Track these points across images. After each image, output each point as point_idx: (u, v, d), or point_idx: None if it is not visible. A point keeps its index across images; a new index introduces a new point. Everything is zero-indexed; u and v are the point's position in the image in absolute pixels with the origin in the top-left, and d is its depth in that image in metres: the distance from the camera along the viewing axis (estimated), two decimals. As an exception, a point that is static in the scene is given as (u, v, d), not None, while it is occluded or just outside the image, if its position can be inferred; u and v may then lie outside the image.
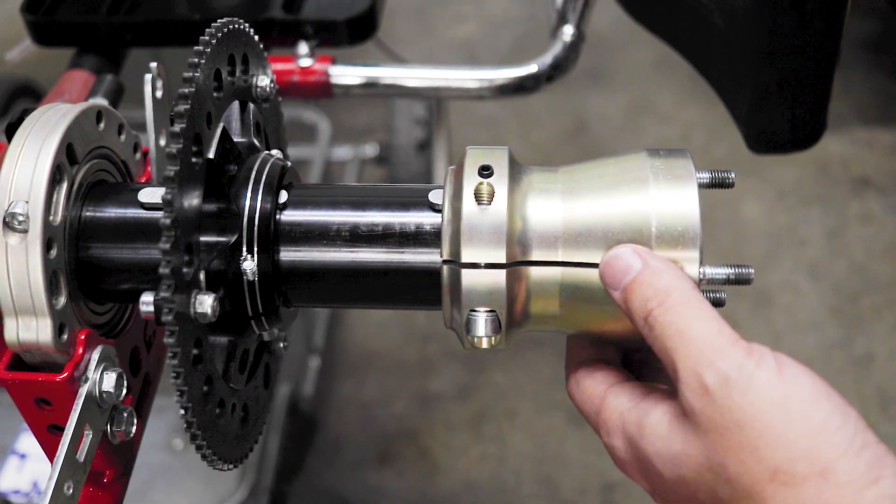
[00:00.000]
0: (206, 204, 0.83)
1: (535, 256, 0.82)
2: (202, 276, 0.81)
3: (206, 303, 0.79)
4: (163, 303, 0.75)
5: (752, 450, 0.69)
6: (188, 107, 0.79)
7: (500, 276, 0.80)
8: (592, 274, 0.81)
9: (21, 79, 2.77)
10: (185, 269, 0.78)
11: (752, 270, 0.82)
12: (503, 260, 0.80)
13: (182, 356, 0.78)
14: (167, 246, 0.76)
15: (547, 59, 1.55)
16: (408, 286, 0.87)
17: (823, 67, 1.26)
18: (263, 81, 0.98)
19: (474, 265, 0.81)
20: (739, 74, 1.32)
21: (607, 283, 0.80)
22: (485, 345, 0.83)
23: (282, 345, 1.00)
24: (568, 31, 1.57)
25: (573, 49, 1.56)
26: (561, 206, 0.83)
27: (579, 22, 1.58)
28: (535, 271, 0.82)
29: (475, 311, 0.82)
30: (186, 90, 0.80)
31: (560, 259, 0.81)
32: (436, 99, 2.68)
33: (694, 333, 0.73)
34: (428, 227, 0.86)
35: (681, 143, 3.53)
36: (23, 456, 2.13)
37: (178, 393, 0.78)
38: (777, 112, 1.30)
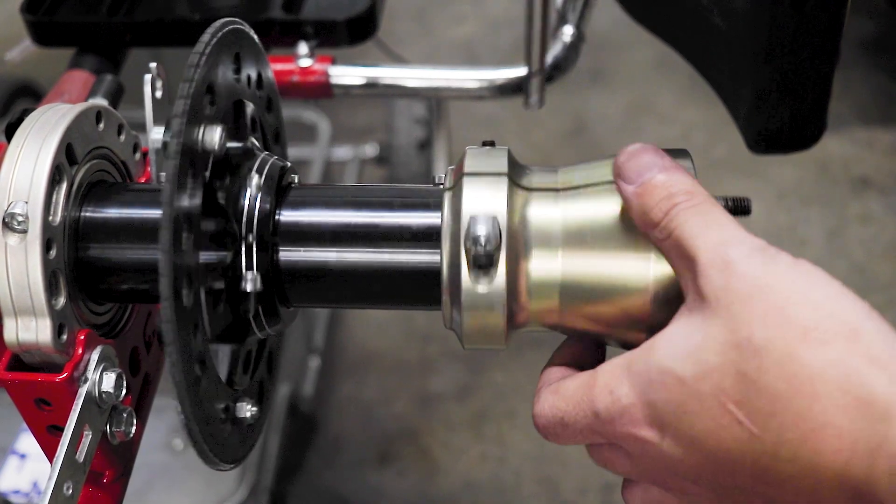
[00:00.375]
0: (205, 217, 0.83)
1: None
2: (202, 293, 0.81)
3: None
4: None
5: (778, 312, 0.68)
6: (187, 106, 0.79)
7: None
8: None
9: (21, 79, 2.78)
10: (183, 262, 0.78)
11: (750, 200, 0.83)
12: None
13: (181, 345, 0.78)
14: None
15: (547, 59, 1.55)
16: (407, 286, 0.87)
17: (823, 67, 1.26)
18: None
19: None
20: (739, 74, 1.32)
21: (624, 174, 0.80)
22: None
23: (249, 409, 0.99)
24: (568, 32, 1.57)
25: (573, 49, 1.56)
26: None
27: (579, 22, 1.58)
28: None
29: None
30: (186, 86, 0.80)
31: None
32: (436, 99, 2.68)
33: (718, 222, 0.73)
34: (428, 227, 0.86)
35: (681, 143, 3.52)
36: (23, 456, 2.13)
37: (177, 391, 0.78)
38: (777, 112, 1.30)
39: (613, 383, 0.75)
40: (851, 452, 0.64)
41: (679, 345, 0.72)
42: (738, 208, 0.85)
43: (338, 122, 3.21)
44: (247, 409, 0.92)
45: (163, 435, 2.19)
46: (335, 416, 2.85)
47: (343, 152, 3.19)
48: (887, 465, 0.63)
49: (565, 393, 0.80)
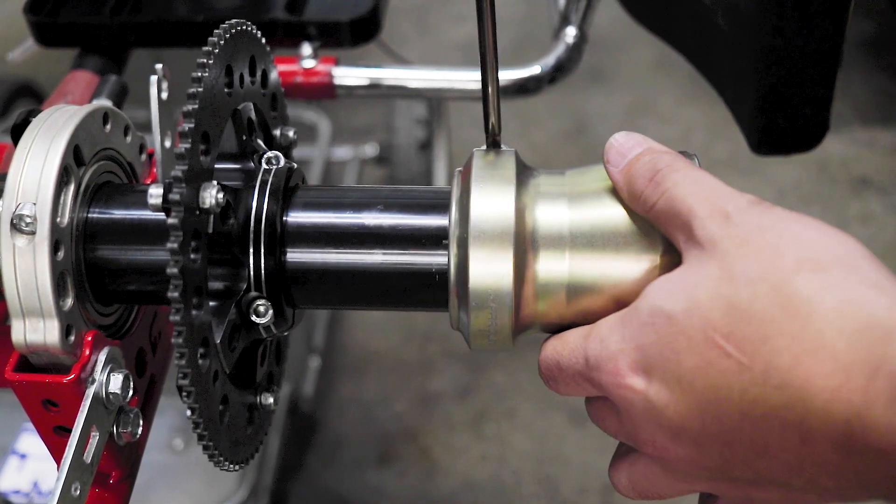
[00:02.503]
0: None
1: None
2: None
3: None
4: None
5: (773, 247, 0.68)
6: (196, 107, 0.79)
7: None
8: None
9: (21, 79, 2.78)
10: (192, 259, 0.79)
11: None
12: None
13: (188, 343, 0.78)
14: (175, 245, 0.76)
15: (550, 60, 1.55)
16: (415, 288, 0.87)
17: (826, 68, 1.27)
18: (289, 132, 1.02)
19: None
20: (742, 76, 1.32)
21: (611, 159, 0.81)
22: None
23: (271, 398, 1.00)
24: (570, 33, 1.57)
25: (576, 50, 1.57)
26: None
27: (582, 23, 1.58)
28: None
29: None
30: (195, 90, 0.80)
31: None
32: (436, 99, 2.68)
33: (710, 181, 0.75)
34: (436, 229, 0.86)
35: (681, 143, 3.53)
36: (23, 456, 2.13)
37: (186, 394, 0.78)
38: (780, 113, 1.30)
39: (606, 332, 0.76)
40: (846, 374, 0.63)
41: (671, 286, 0.72)
42: None
43: (338, 122, 3.20)
44: (268, 398, 0.98)
45: (163, 435, 2.19)
46: (335, 416, 2.85)
47: (343, 152, 3.19)
48: (886, 384, 0.61)
49: (566, 339, 0.81)
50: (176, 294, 0.76)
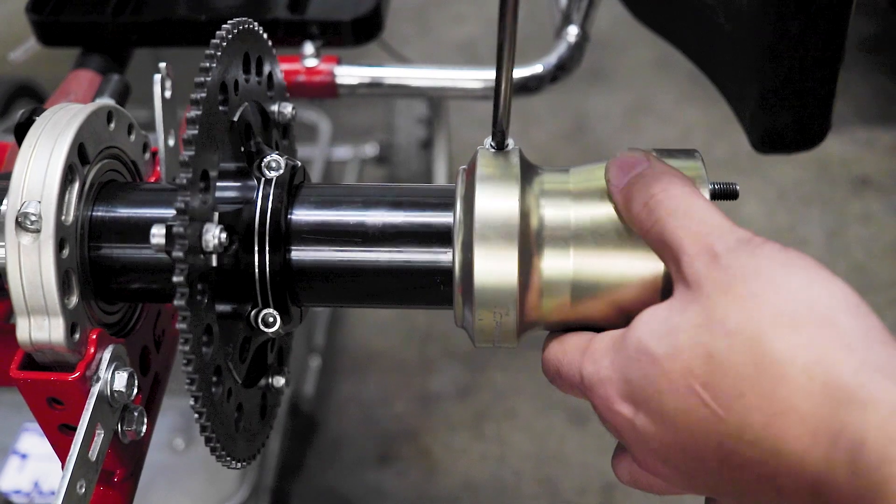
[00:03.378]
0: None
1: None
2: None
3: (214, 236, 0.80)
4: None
5: (754, 297, 0.68)
6: (192, 153, 0.79)
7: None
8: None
9: (21, 79, 2.78)
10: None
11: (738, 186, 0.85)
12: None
13: (201, 387, 0.79)
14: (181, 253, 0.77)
15: (552, 59, 1.55)
16: (420, 285, 0.88)
17: (828, 67, 1.27)
18: (287, 108, 1.00)
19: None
20: (744, 74, 1.32)
21: (612, 179, 0.81)
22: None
23: (283, 380, 1.01)
24: (572, 32, 1.57)
25: (577, 49, 1.57)
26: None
27: (584, 22, 1.58)
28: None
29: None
30: (203, 78, 0.81)
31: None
32: (437, 99, 2.68)
33: (701, 214, 0.75)
34: (440, 227, 0.87)
35: (681, 143, 3.54)
36: (24, 456, 2.13)
37: (188, 381, 0.79)
38: (782, 112, 1.30)
39: (599, 354, 0.78)
40: (812, 439, 0.64)
41: (657, 324, 0.73)
42: (725, 192, 0.86)
43: (338, 122, 3.20)
44: (279, 380, 1.01)
45: (164, 434, 2.19)
46: (336, 416, 2.85)
47: (343, 152, 3.19)
48: (846, 454, 0.62)
49: (566, 346, 0.82)
50: (188, 348, 0.77)
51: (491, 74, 1.52)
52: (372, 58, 1.61)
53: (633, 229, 0.80)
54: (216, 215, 0.81)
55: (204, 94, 0.80)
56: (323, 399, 2.85)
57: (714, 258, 0.71)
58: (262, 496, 2.22)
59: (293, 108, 1.01)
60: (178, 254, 0.76)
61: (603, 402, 0.77)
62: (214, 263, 0.81)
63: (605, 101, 3.78)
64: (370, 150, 3.18)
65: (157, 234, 0.79)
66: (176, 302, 0.76)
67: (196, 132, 0.78)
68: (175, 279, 0.76)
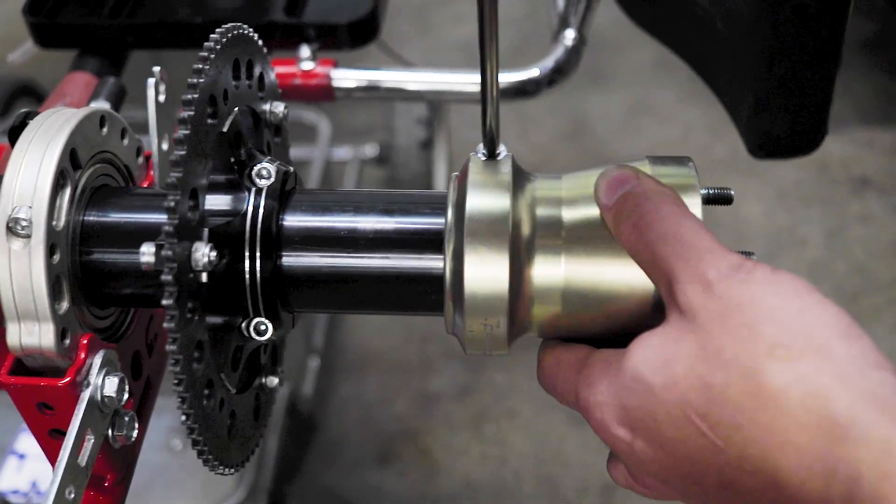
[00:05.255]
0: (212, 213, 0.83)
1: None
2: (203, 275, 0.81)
3: (203, 251, 0.80)
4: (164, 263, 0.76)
5: (748, 328, 0.68)
6: (180, 174, 0.78)
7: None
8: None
9: (22, 79, 2.77)
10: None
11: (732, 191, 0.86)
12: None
13: (193, 405, 0.79)
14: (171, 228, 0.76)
15: (549, 62, 1.55)
16: (410, 292, 0.88)
17: (825, 72, 1.26)
18: (278, 108, 0.99)
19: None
20: (741, 79, 1.32)
21: (601, 198, 0.81)
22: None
23: (276, 380, 1.01)
24: (570, 35, 1.57)
25: (575, 53, 1.57)
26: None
27: (581, 26, 1.58)
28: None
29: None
30: (190, 96, 0.80)
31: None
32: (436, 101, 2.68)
33: (692, 239, 0.74)
34: (432, 233, 0.87)
35: (681, 143, 3.53)
36: (22, 456, 2.13)
37: (180, 399, 0.79)
38: (778, 117, 1.30)
39: (594, 377, 0.78)
40: (808, 472, 0.65)
41: (652, 353, 0.73)
42: (719, 198, 0.86)
43: (338, 123, 3.20)
44: (273, 380, 1.00)
45: (162, 435, 2.19)
46: (335, 417, 2.85)
47: (343, 153, 3.18)
48: (843, 488, 0.63)
49: (561, 362, 0.83)
50: (178, 368, 0.77)
51: (488, 77, 1.51)
52: (372, 60, 1.61)
53: (624, 248, 0.80)
54: (206, 232, 0.81)
55: (192, 112, 0.80)
56: (323, 399, 2.85)
57: (707, 287, 0.71)
58: (260, 497, 2.22)
59: (285, 108, 1.00)
60: (167, 277, 0.76)
61: (599, 425, 0.77)
62: (205, 280, 0.81)
63: (605, 101, 3.77)
64: (370, 150, 3.18)
65: (147, 253, 0.79)
66: (166, 324, 0.76)
67: (184, 152, 0.78)
68: (164, 302, 0.76)
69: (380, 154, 3.15)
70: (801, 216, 3.30)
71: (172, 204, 0.76)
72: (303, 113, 3.09)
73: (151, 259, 0.79)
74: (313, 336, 2.81)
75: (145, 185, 1.02)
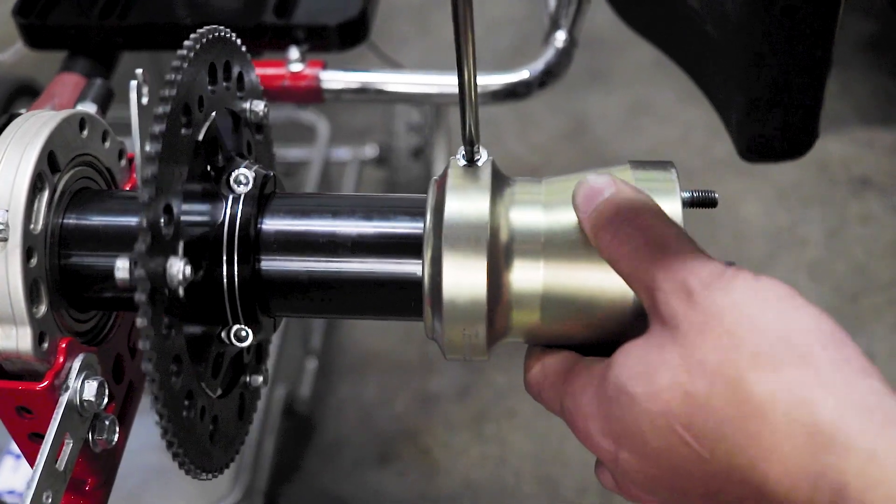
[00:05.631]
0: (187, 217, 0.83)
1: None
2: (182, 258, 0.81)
3: (178, 267, 0.79)
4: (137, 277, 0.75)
5: (730, 337, 0.68)
6: (151, 193, 0.77)
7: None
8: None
9: (21, 79, 2.77)
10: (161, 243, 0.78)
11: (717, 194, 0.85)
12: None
13: (172, 418, 0.79)
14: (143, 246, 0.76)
15: (539, 65, 1.55)
16: (389, 297, 0.87)
17: (815, 75, 1.26)
18: (258, 107, 0.98)
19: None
20: (731, 82, 1.31)
21: (579, 206, 0.80)
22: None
23: (261, 378, 1.01)
24: (560, 37, 1.57)
25: (565, 55, 1.56)
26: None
27: (571, 28, 1.58)
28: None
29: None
30: (161, 109, 0.80)
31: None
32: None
33: (673, 246, 0.74)
34: (410, 238, 0.86)
35: (680, 143, 3.53)
36: (18, 456, 2.13)
37: (158, 415, 0.79)
38: (769, 120, 1.30)
39: (578, 388, 0.78)
40: (794, 481, 0.64)
41: (635, 363, 0.73)
42: (703, 201, 0.85)
43: (337, 123, 3.20)
44: (257, 379, 0.99)
45: (156, 436, 2.18)
46: (334, 417, 2.85)
47: (342, 153, 3.17)
48: (828, 497, 0.63)
49: (546, 370, 0.84)
50: (156, 387, 0.77)
51: (480, 79, 1.51)
52: (364, 61, 1.60)
53: (603, 258, 0.79)
54: (181, 246, 0.81)
55: (164, 127, 0.79)
56: (322, 400, 2.85)
57: (689, 295, 0.71)
58: (256, 498, 2.22)
59: (265, 106, 0.99)
60: (140, 296, 0.75)
61: (585, 436, 0.78)
62: (181, 294, 0.80)
63: (605, 101, 3.77)
64: (370, 151, 3.17)
65: (122, 269, 0.79)
66: (140, 344, 0.76)
67: (155, 170, 0.77)
68: (139, 322, 0.75)
69: (379, 155, 3.15)
70: (801, 216, 3.29)
71: (144, 223, 0.75)
72: (302, 113, 3.09)
73: (126, 276, 0.78)
74: (311, 337, 2.80)
75: (128, 188, 1.01)
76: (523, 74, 1.53)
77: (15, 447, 2.09)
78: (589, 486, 2.65)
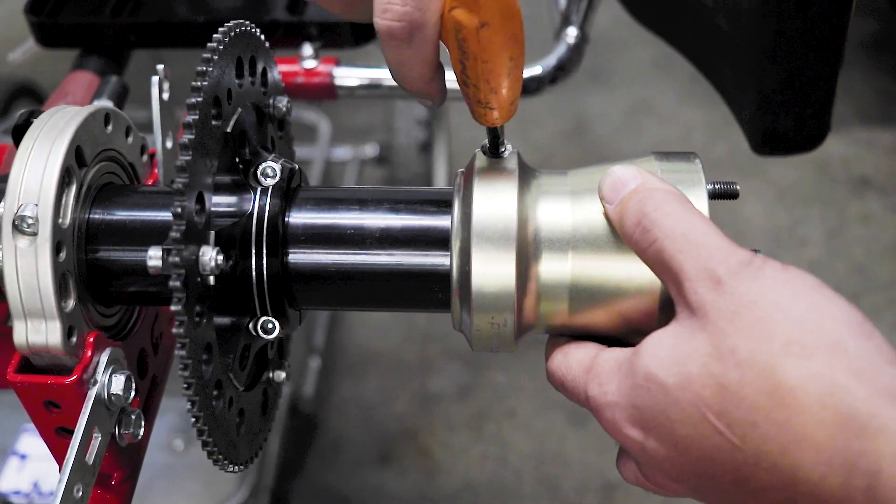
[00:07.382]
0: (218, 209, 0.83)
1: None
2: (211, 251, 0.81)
3: (209, 255, 0.80)
4: (171, 266, 0.76)
5: (762, 326, 0.68)
6: (185, 180, 0.78)
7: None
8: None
9: (21, 79, 2.77)
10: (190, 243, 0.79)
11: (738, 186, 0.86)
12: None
13: (202, 407, 0.79)
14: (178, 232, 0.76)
15: (551, 60, 1.55)
16: (417, 289, 0.87)
17: (828, 69, 1.26)
18: (281, 102, 0.99)
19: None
20: (744, 76, 1.32)
21: (606, 197, 0.81)
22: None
23: (283, 374, 1.01)
24: (572, 33, 1.57)
25: (577, 51, 1.57)
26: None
27: (583, 23, 1.58)
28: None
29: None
30: (194, 99, 0.80)
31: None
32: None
33: (699, 236, 0.74)
34: (438, 230, 0.86)
35: (681, 143, 3.53)
36: (23, 456, 2.12)
37: (189, 402, 0.79)
38: (781, 113, 1.30)
39: (604, 377, 0.78)
40: (828, 467, 0.65)
41: (665, 352, 0.73)
42: (725, 192, 0.85)
43: (338, 122, 3.20)
44: (280, 374, 1.01)
45: (163, 435, 2.19)
46: (336, 416, 2.85)
47: (343, 152, 3.17)
48: (863, 482, 0.63)
49: (570, 360, 0.83)
50: (188, 373, 0.77)
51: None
52: (372, 59, 1.60)
53: (630, 248, 0.79)
54: (212, 235, 0.81)
55: (196, 116, 0.79)
56: (323, 399, 2.85)
57: (717, 284, 0.71)
58: (262, 497, 2.22)
59: (288, 102, 1.00)
60: (174, 283, 0.76)
61: (611, 425, 0.77)
62: (212, 282, 0.81)
63: (605, 101, 3.77)
64: (370, 150, 3.17)
65: (154, 257, 0.79)
66: (175, 329, 0.76)
67: (189, 157, 0.78)
68: (173, 308, 0.76)
69: (380, 154, 3.15)
70: (801, 216, 3.30)
71: (179, 210, 0.76)
72: (303, 113, 3.09)
73: (159, 263, 0.79)
74: (314, 336, 2.80)
75: (150, 183, 1.02)
76: (536, 70, 1.54)
77: (19, 448, 2.09)
78: (589, 486, 2.65)
